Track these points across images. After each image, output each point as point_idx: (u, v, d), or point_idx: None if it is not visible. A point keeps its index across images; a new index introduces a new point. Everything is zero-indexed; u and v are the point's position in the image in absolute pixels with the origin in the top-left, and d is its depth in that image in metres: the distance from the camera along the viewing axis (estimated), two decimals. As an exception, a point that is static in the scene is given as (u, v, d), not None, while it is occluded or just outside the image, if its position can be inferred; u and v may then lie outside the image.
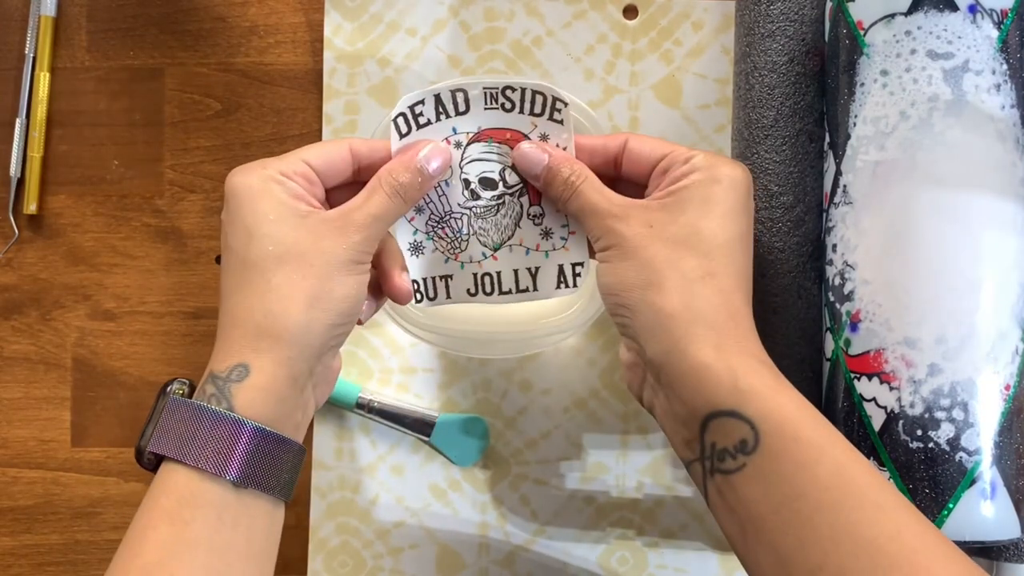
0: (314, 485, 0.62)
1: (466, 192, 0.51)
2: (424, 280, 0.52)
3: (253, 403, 0.44)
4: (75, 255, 0.64)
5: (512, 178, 0.50)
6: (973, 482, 0.47)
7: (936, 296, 0.47)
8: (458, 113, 0.49)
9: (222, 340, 0.46)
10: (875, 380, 0.48)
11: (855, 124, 0.50)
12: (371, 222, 0.47)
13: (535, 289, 0.51)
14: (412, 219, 0.51)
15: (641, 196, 0.48)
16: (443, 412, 0.62)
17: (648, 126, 0.61)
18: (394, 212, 0.48)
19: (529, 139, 0.49)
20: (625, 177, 0.49)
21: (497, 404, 0.62)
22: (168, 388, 0.47)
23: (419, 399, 0.62)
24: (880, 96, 0.49)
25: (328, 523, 0.62)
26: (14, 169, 0.63)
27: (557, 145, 0.49)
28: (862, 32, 0.49)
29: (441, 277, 0.52)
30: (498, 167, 0.50)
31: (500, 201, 0.51)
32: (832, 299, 0.50)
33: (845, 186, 0.50)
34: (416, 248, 0.51)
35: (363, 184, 0.48)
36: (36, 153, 0.63)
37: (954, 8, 0.48)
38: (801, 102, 0.54)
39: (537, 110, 0.49)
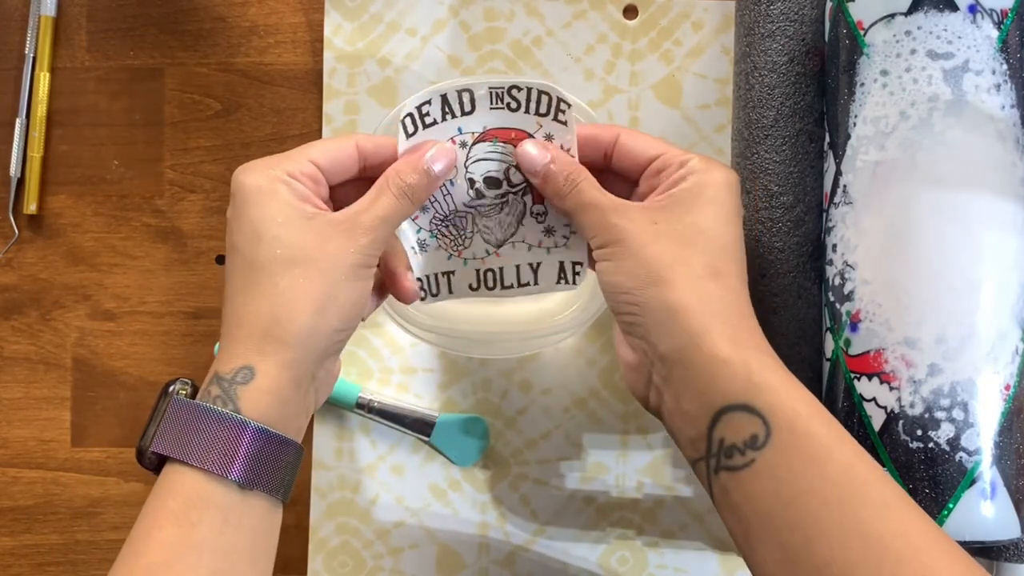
0: (314, 485, 0.62)
1: (471, 191, 0.51)
2: (427, 277, 0.52)
3: (258, 405, 0.44)
4: (75, 255, 0.64)
5: (516, 177, 0.50)
6: (973, 482, 0.47)
7: (936, 296, 0.47)
8: (464, 113, 0.49)
9: (227, 341, 0.46)
10: (875, 380, 0.48)
11: (855, 124, 0.50)
12: (378, 224, 0.47)
13: (536, 283, 0.52)
14: (416, 218, 0.51)
15: (628, 194, 0.49)
16: (443, 412, 0.62)
17: (648, 126, 0.61)
18: (401, 213, 0.48)
19: (533, 137, 0.49)
20: (615, 170, 0.49)
21: (497, 404, 0.62)
22: (170, 388, 0.47)
23: (419, 399, 0.62)
24: (880, 96, 0.49)
25: (328, 523, 0.62)
26: (14, 169, 0.63)
27: (561, 146, 0.49)
28: (862, 32, 0.49)
29: (444, 273, 0.52)
30: (503, 166, 0.50)
31: (504, 200, 0.51)
32: (832, 299, 0.50)
33: (845, 186, 0.50)
34: (420, 246, 0.51)
35: (369, 180, 0.48)
36: (36, 153, 0.63)
37: (954, 8, 0.48)
38: (801, 102, 0.54)
39: (543, 110, 0.49)
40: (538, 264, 0.51)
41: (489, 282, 0.52)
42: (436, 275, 0.52)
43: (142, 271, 0.64)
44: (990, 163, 0.48)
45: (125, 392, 0.64)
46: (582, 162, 0.49)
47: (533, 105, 0.49)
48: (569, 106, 0.48)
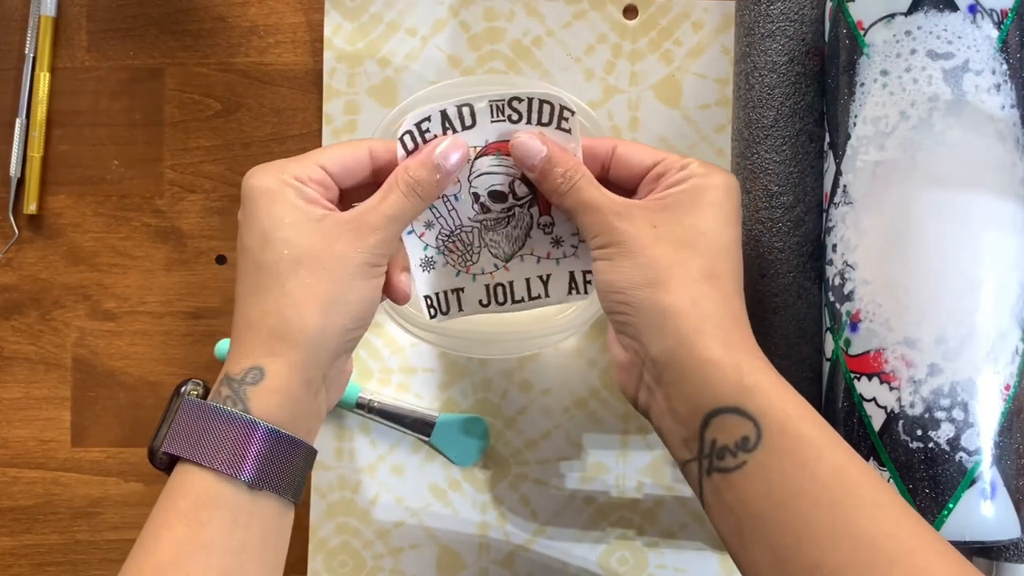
0: (314, 485, 0.62)
1: (476, 206, 0.50)
2: (436, 295, 0.52)
3: (268, 405, 0.44)
4: (75, 255, 0.64)
5: (521, 190, 0.50)
6: (973, 482, 0.47)
7: (936, 296, 0.47)
8: (464, 128, 0.49)
9: (237, 342, 0.46)
10: (875, 380, 0.48)
11: (855, 124, 0.50)
12: (386, 223, 0.47)
13: (547, 296, 0.52)
14: (423, 235, 0.51)
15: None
16: (443, 412, 0.62)
17: (648, 126, 0.61)
18: (410, 212, 0.47)
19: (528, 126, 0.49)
20: (612, 181, 0.49)
21: (497, 404, 0.62)
22: (182, 389, 0.47)
23: (419, 399, 0.62)
24: (880, 96, 0.49)
25: (328, 523, 0.62)
26: (14, 169, 0.63)
27: None
28: (862, 32, 0.49)
29: (453, 290, 0.52)
30: (507, 179, 0.50)
31: (510, 213, 0.51)
32: (832, 299, 0.50)
33: (845, 186, 0.50)
34: (427, 263, 0.51)
35: (381, 185, 0.48)
36: (36, 153, 0.63)
37: (954, 8, 0.48)
38: (801, 102, 0.54)
39: (544, 119, 0.49)
40: (548, 276, 0.51)
41: (500, 297, 0.52)
42: (446, 292, 0.52)
43: (142, 271, 0.64)
44: (990, 163, 0.48)
45: (125, 392, 0.64)
46: None
47: (535, 116, 0.49)
48: (573, 113, 0.48)
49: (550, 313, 0.58)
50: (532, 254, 0.51)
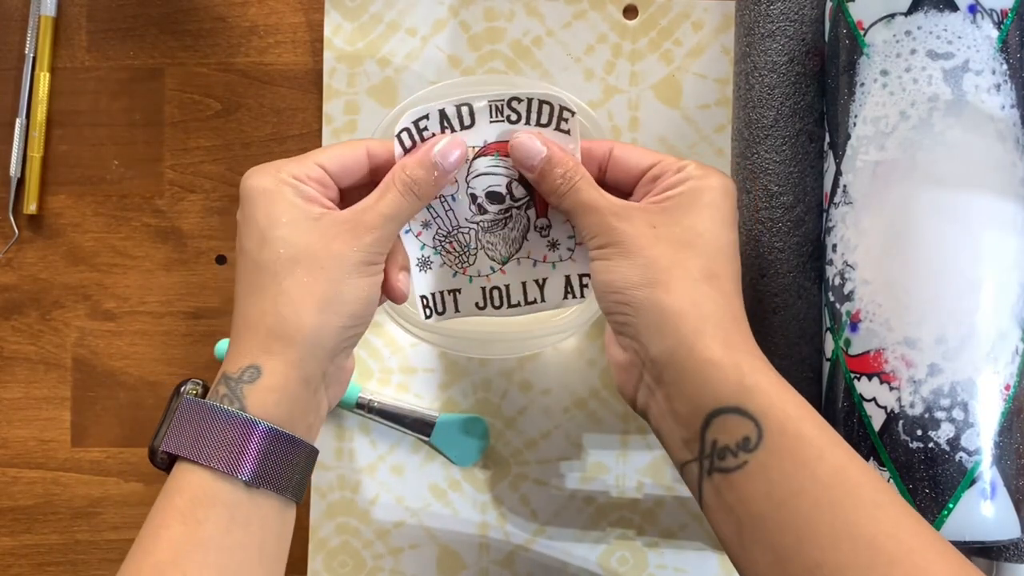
0: (314, 485, 0.62)
1: (473, 207, 0.50)
2: (432, 295, 0.52)
3: (265, 404, 0.44)
4: (75, 255, 0.64)
5: (519, 191, 0.50)
6: (973, 482, 0.47)
7: (936, 296, 0.47)
8: (463, 127, 0.49)
9: (235, 342, 0.46)
10: (875, 380, 0.48)
11: (855, 124, 0.50)
12: (383, 222, 0.47)
13: (543, 300, 0.51)
14: (419, 234, 0.51)
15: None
16: (443, 412, 0.62)
17: (648, 126, 0.61)
18: (407, 210, 0.48)
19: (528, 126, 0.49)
20: (609, 183, 0.49)
21: (497, 404, 0.62)
22: (182, 388, 0.47)
23: (419, 399, 0.62)
24: (880, 96, 0.49)
25: (328, 523, 0.62)
26: (14, 169, 0.63)
27: None
28: (862, 32, 0.49)
29: (449, 291, 0.52)
30: (504, 180, 0.50)
31: (507, 215, 0.50)
32: (832, 299, 0.50)
33: (845, 186, 0.50)
34: (424, 263, 0.51)
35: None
36: (36, 153, 0.63)
37: (954, 8, 0.48)
38: (801, 102, 0.54)
39: (544, 120, 0.49)
40: (544, 280, 0.51)
41: (496, 300, 0.52)
42: (442, 293, 0.52)
43: (142, 271, 0.64)
44: (990, 163, 0.48)
45: (125, 392, 0.64)
46: None
47: (534, 116, 0.49)
48: (573, 113, 0.48)
49: (550, 313, 0.58)
50: (528, 257, 0.51)
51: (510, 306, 0.52)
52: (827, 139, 0.52)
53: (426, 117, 0.48)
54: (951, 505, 0.46)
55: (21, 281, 0.64)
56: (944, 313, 0.47)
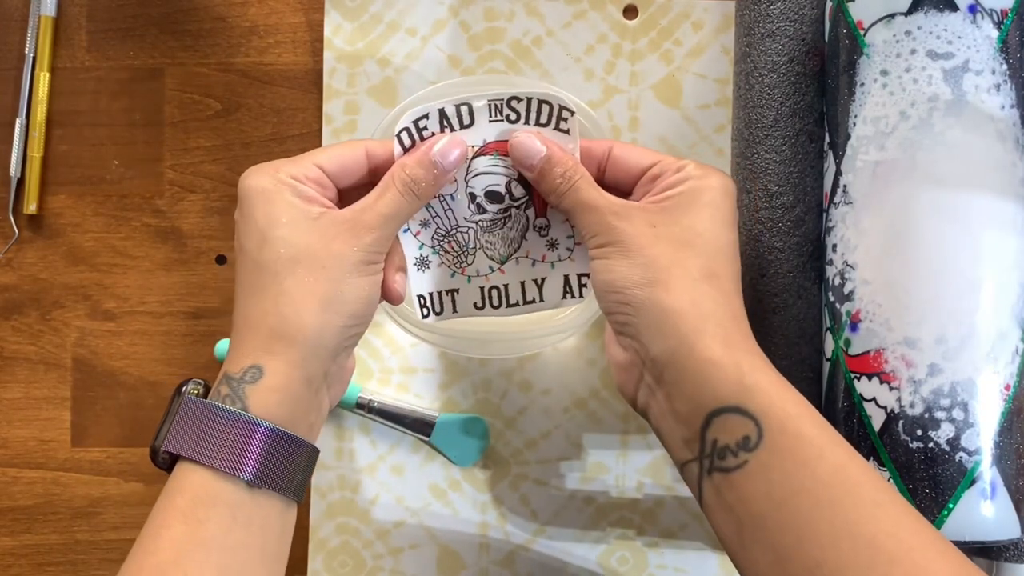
0: (314, 485, 0.62)
1: (472, 206, 0.50)
2: (431, 295, 0.51)
3: (267, 404, 0.44)
4: (75, 255, 0.64)
5: (518, 191, 0.50)
6: (973, 482, 0.47)
7: (936, 296, 0.47)
8: (463, 127, 0.49)
9: (236, 342, 0.46)
10: (875, 380, 0.48)
11: (855, 124, 0.50)
12: (383, 222, 0.47)
13: (541, 300, 0.51)
14: (418, 233, 0.51)
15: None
16: (443, 412, 0.62)
17: (648, 126, 0.61)
18: (407, 210, 0.48)
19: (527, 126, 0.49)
20: (608, 183, 0.49)
21: (497, 404, 0.62)
22: (183, 388, 0.47)
23: (419, 399, 0.62)
24: (880, 96, 0.49)
25: (328, 523, 0.62)
26: (14, 169, 0.63)
27: None
28: (862, 32, 0.49)
29: (448, 291, 0.52)
30: (504, 180, 0.50)
31: (506, 214, 0.50)
32: (832, 299, 0.50)
33: (845, 186, 0.50)
34: (422, 263, 0.51)
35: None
36: (36, 153, 0.63)
37: (954, 8, 0.48)
38: (801, 102, 0.54)
39: (543, 120, 0.49)
40: (543, 280, 0.51)
41: (494, 300, 0.52)
42: (440, 293, 0.52)
43: (142, 271, 0.64)
44: (990, 163, 0.48)
45: (125, 392, 0.64)
46: None
47: (533, 116, 0.49)
48: (572, 113, 0.48)
49: (550, 313, 0.58)
50: (527, 257, 0.51)
51: (509, 306, 0.52)
52: (827, 139, 0.52)
53: (426, 117, 0.48)
54: (951, 505, 0.46)
55: (21, 281, 0.64)
56: (944, 313, 0.47)
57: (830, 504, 0.41)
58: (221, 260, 0.63)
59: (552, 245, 0.51)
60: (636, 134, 0.62)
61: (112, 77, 0.64)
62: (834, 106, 0.51)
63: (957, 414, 0.47)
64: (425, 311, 0.52)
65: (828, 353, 0.51)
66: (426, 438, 0.62)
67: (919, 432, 0.47)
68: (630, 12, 0.62)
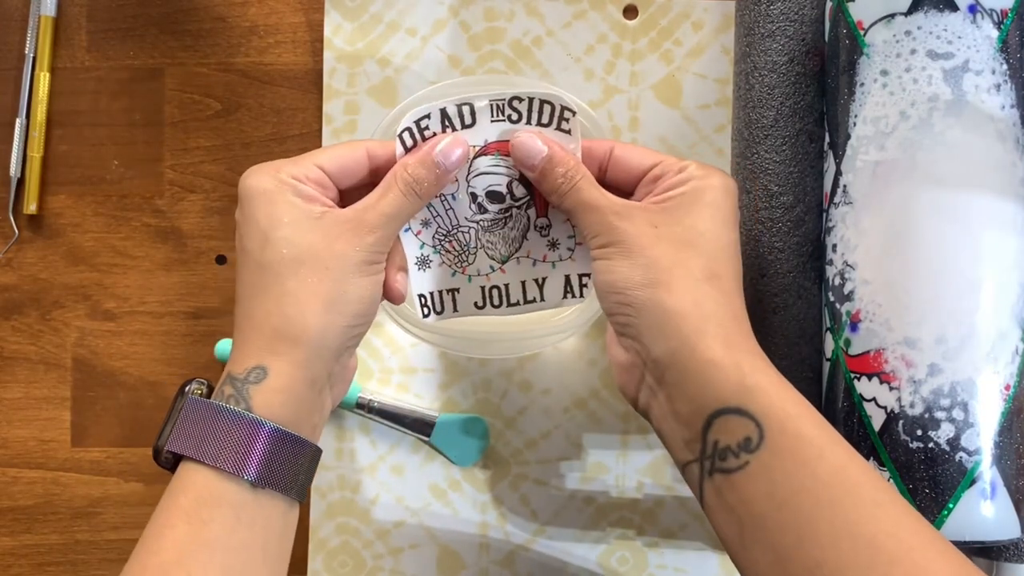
0: (314, 485, 0.62)
1: (473, 206, 0.50)
2: (431, 294, 0.52)
3: (271, 404, 0.44)
4: (75, 255, 0.64)
5: (519, 191, 0.50)
6: (973, 482, 0.47)
7: (936, 296, 0.47)
8: (464, 126, 0.49)
9: (239, 342, 0.46)
10: (875, 380, 0.48)
11: (855, 124, 0.50)
12: (385, 222, 0.47)
13: (542, 299, 0.51)
14: (419, 233, 0.51)
15: None
16: (443, 412, 0.62)
17: (648, 126, 0.61)
18: (408, 210, 0.48)
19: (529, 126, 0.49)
20: (610, 183, 0.49)
21: (497, 404, 0.62)
22: (187, 388, 0.47)
23: (419, 399, 0.62)
24: (880, 96, 0.49)
25: (328, 523, 0.62)
26: (14, 169, 0.63)
27: None
28: (862, 32, 0.49)
29: (448, 291, 0.52)
30: (505, 180, 0.50)
31: (507, 214, 0.50)
32: (832, 299, 0.50)
33: (845, 186, 0.50)
34: (423, 262, 0.51)
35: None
36: (36, 153, 0.63)
37: (954, 8, 0.48)
38: (801, 102, 0.54)
39: (545, 120, 0.49)
40: (543, 279, 0.51)
41: (495, 300, 0.52)
42: (440, 292, 0.52)
43: (142, 271, 0.64)
44: (990, 163, 0.48)
45: (125, 392, 0.64)
46: None
47: (535, 116, 0.49)
48: (573, 113, 0.48)
49: (550, 313, 0.58)
50: (528, 256, 0.51)
51: (509, 305, 0.52)
52: (827, 139, 0.52)
53: (427, 116, 0.48)
54: (951, 505, 0.46)
55: (21, 281, 0.64)
56: (944, 313, 0.47)
57: (830, 504, 0.41)
58: (221, 260, 0.63)
59: (553, 245, 0.51)
60: (636, 134, 0.62)
61: (112, 77, 0.64)
62: (834, 106, 0.51)
63: (957, 414, 0.47)
64: (426, 310, 0.52)
65: (828, 353, 0.51)
66: (426, 438, 0.62)
67: (919, 432, 0.47)
68: (630, 12, 0.62)
